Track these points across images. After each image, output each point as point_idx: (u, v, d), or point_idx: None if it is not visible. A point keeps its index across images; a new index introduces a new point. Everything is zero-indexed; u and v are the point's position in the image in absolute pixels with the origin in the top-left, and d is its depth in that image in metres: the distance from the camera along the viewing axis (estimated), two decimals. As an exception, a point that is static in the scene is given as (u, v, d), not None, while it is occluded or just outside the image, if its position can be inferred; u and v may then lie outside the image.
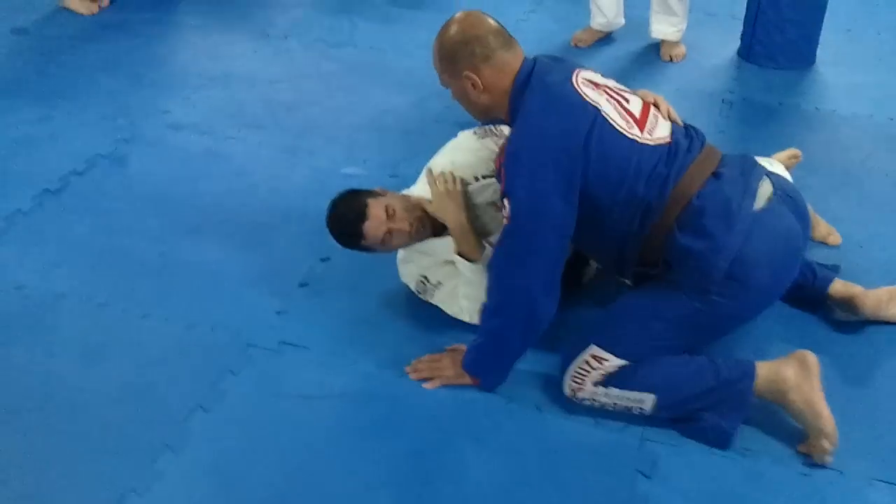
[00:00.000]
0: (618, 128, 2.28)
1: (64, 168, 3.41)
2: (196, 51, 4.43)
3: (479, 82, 2.33)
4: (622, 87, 2.44)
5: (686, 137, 2.37)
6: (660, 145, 2.31)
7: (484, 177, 2.62)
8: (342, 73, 4.19)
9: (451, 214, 2.53)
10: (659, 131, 2.34)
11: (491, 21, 2.38)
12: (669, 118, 2.43)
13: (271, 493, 2.19)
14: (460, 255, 2.52)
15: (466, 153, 2.69)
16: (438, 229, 2.61)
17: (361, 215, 2.51)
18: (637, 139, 2.29)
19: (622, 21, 4.39)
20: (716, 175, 2.30)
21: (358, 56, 4.33)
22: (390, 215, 2.52)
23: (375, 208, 2.51)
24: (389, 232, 2.52)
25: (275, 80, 4.11)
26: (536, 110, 2.26)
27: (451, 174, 2.60)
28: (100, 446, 2.29)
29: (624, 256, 2.37)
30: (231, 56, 4.33)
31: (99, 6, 4.78)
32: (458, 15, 2.40)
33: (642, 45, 4.38)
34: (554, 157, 2.21)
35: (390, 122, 3.76)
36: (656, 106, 2.44)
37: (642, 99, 2.43)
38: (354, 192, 2.59)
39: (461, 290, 2.56)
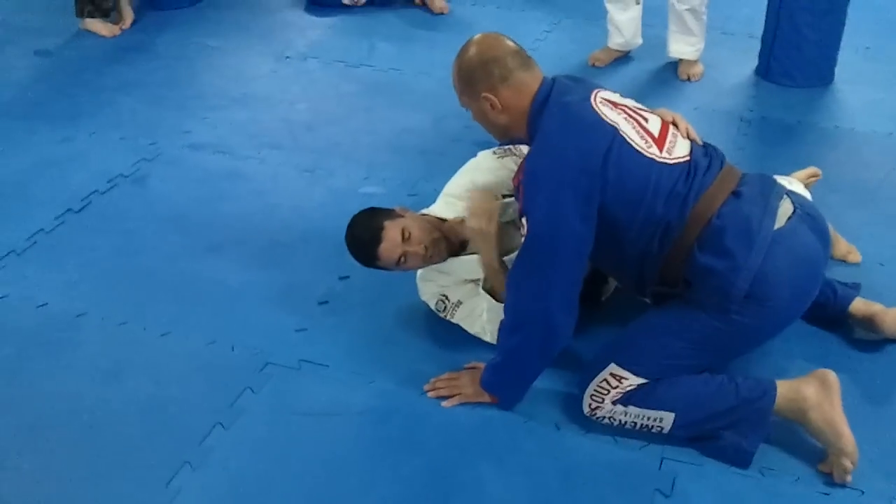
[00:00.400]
0: (636, 147, 2.27)
1: (86, 188, 3.45)
2: (216, 72, 4.46)
3: (498, 103, 2.33)
4: (641, 106, 2.44)
5: (705, 156, 2.37)
6: (679, 164, 2.30)
7: (504, 196, 2.62)
8: (361, 93, 4.21)
9: (483, 255, 2.51)
10: (678, 150, 2.34)
11: (509, 42, 2.39)
12: (688, 137, 2.42)
13: (290, 510, 2.20)
14: (487, 290, 2.52)
15: (486, 173, 2.69)
16: (456, 249, 2.62)
17: (377, 238, 2.50)
18: (656, 158, 2.28)
19: (640, 41, 4.39)
20: (735, 194, 2.29)
21: (377, 76, 4.36)
22: (406, 238, 2.50)
23: (391, 230, 2.50)
24: (404, 255, 2.51)
25: (294, 100, 4.14)
26: (555, 130, 2.27)
27: (492, 208, 2.50)
28: (119, 463, 2.31)
29: (643, 275, 2.37)
30: (251, 77, 4.37)
31: (120, 28, 4.85)
32: (476, 36, 2.41)
33: (660, 64, 4.38)
34: (572, 177, 2.21)
35: (409, 141, 3.78)
36: (675, 125, 2.44)
37: (661, 118, 2.43)
38: (373, 213, 2.59)
39: (485, 314, 2.57)
